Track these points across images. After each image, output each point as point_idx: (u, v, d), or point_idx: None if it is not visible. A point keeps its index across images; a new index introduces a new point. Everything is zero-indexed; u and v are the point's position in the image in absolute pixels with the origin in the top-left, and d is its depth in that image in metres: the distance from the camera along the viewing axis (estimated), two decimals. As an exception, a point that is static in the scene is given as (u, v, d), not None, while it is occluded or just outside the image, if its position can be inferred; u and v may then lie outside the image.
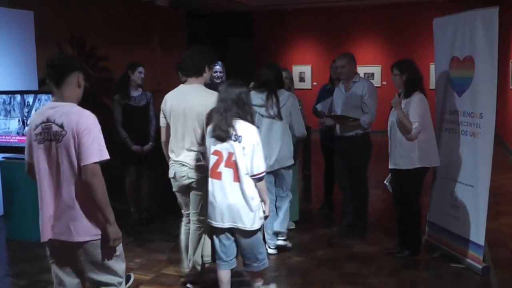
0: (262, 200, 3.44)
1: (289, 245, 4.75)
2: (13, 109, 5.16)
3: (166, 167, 3.91)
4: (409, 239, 4.53)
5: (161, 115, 3.83)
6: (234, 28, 13.60)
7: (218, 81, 5.20)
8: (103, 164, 2.58)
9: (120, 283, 2.81)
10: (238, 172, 3.31)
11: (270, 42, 13.63)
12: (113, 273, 2.76)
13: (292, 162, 4.62)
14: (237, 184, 3.33)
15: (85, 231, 2.61)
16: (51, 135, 2.56)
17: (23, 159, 5.12)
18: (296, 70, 13.56)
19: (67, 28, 7.71)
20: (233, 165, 3.32)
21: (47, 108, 2.66)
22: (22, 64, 6.14)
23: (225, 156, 3.34)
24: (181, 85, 3.81)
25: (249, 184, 3.34)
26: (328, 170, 5.84)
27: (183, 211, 3.96)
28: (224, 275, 3.52)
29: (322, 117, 5.42)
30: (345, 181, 5.23)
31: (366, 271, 4.30)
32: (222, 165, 3.35)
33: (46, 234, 2.67)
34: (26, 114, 5.10)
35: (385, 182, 4.72)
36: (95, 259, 2.67)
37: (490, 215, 4.34)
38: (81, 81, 2.71)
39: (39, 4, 6.75)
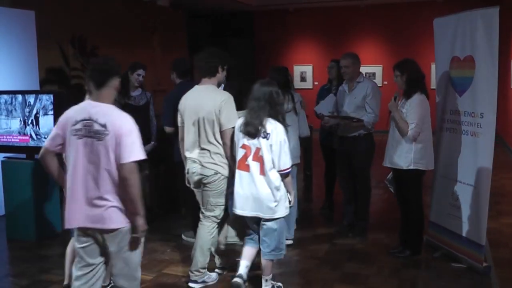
0: (288, 192, 3.70)
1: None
2: (15, 109, 5.17)
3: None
4: (410, 238, 4.53)
5: (178, 115, 3.99)
6: (235, 28, 13.61)
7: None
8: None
9: (136, 278, 3.03)
10: (264, 167, 3.56)
11: (271, 42, 13.64)
12: (132, 265, 2.98)
13: (298, 161, 4.78)
14: (262, 177, 3.58)
15: (114, 220, 2.84)
16: (92, 133, 2.80)
17: (24, 158, 5.16)
18: (297, 70, 13.58)
19: (68, 28, 7.73)
20: (260, 159, 3.58)
21: (87, 106, 2.87)
22: (23, 64, 6.15)
23: (253, 150, 3.59)
24: (196, 86, 3.96)
25: (274, 177, 3.59)
26: (329, 170, 5.84)
27: (203, 209, 4.02)
28: (247, 249, 3.79)
29: (322, 118, 5.40)
30: (346, 181, 5.24)
31: (367, 271, 4.31)
32: (250, 158, 3.61)
33: (76, 221, 2.88)
34: (27, 114, 5.11)
35: (385, 181, 4.73)
36: (119, 247, 2.88)
37: (491, 215, 4.35)
38: (118, 85, 2.94)
39: (40, 4, 6.77)
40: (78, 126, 2.82)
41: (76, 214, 2.86)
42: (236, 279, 3.69)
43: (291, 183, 3.76)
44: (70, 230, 3.19)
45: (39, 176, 5.11)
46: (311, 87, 13.31)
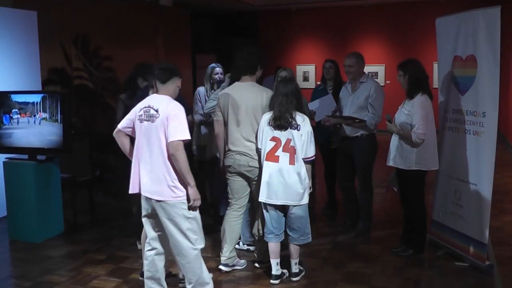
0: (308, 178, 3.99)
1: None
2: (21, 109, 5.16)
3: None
4: (414, 238, 4.54)
5: (217, 110, 4.22)
6: (239, 28, 13.60)
7: (216, 80, 5.30)
8: (186, 142, 3.35)
9: (193, 241, 3.43)
10: (295, 156, 3.88)
11: (275, 42, 13.63)
12: (186, 232, 3.41)
13: None
14: (292, 166, 3.88)
15: (165, 192, 3.37)
16: (148, 116, 3.41)
17: (26, 159, 5.16)
18: (300, 69, 13.56)
19: (71, 28, 7.73)
20: (291, 150, 3.88)
21: (150, 98, 3.52)
22: (25, 65, 6.14)
23: (283, 142, 3.88)
24: (236, 83, 4.24)
25: (303, 167, 3.91)
26: (328, 170, 5.80)
27: (233, 199, 4.28)
28: (274, 246, 4.04)
29: (313, 117, 5.32)
30: (347, 181, 5.22)
31: (371, 270, 4.31)
32: (280, 150, 3.89)
33: (136, 188, 3.51)
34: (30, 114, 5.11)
35: (388, 180, 4.73)
36: (171, 216, 3.38)
37: (493, 213, 4.35)
38: (180, 85, 3.54)
39: (42, 4, 6.77)
40: (141, 112, 3.46)
41: (136, 184, 3.48)
42: (273, 281, 4.03)
43: (310, 170, 4.02)
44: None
45: (41, 177, 5.12)
46: (313, 87, 13.28)
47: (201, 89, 5.41)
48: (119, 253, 4.77)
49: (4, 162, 5.27)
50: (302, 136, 3.87)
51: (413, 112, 4.26)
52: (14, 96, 5.19)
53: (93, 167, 7.40)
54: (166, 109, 3.35)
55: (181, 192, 3.39)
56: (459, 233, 4.43)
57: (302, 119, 3.91)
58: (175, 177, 3.37)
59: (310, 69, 13.63)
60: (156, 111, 3.38)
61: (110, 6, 8.69)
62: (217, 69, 5.32)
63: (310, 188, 4.01)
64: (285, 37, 13.68)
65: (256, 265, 4.40)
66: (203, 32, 12.66)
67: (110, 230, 5.49)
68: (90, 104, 8.09)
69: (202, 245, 3.51)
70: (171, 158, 3.32)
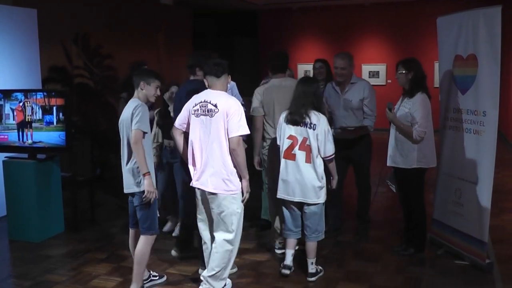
0: (332, 176, 4.13)
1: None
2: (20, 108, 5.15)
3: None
4: (414, 236, 4.54)
5: (258, 106, 4.51)
6: (240, 27, 13.57)
7: None
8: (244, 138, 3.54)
9: (229, 241, 3.60)
10: (311, 155, 3.95)
11: (276, 41, 13.59)
12: (229, 226, 3.57)
13: None
14: (309, 164, 3.96)
15: (218, 185, 3.51)
16: (206, 111, 3.50)
17: (26, 158, 5.15)
18: (301, 68, 13.53)
19: (71, 26, 7.71)
20: (307, 148, 3.96)
21: (205, 92, 3.60)
22: (25, 63, 6.12)
23: (299, 140, 3.97)
24: (273, 80, 4.58)
25: (320, 165, 3.99)
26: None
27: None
28: (291, 242, 4.19)
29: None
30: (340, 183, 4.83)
31: (372, 269, 4.32)
32: (296, 148, 3.99)
33: (193, 181, 3.64)
34: (29, 113, 5.08)
35: (386, 180, 4.73)
36: (219, 209, 3.54)
37: (493, 212, 4.35)
38: (229, 80, 3.68)
39: (42, 2, 6.75)
40: (197, 107, 3.55)
41: (193, 177, 3.59)
42: (284, 271, 4.17)
43: (334, 168, 4.11)
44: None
45: (41, 176, 5.11)
46: (314, 85, 13.28)
47: None
48: (120, 252, 4.77)
49: (3, 161, 5.25)
50: (319, 136, 3.93)
51: (414, 110, 4.26)
52: (14, 94, 5.16)
53: (93, 166, 7.41)
54: (225, 104, 3.46)
55: (234, 186, 3.54)
56: (460, 231, 4.43)
57: (317, 118, 3.94)
58: (231, 171, 3.51)
59: (311, 68, 13.59)
60: (215, 106, 3.47)
61: (111, 4, 8.68)
62: None
63: (330, 186, 4.13)
64: (286, 36, 13.66)
65: (277, 251, 4.62)
66: (204, 31, 12.65)
67: (111, 229, 5.49)
68: (90, 103, 8.08)
69: (237, 243, 3.65)
70: (231, 152, 3.47)
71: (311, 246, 4.12)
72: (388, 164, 4.52)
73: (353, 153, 4.93)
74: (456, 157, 4.49)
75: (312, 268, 4.13)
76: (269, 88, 4.55)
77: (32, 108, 5.08)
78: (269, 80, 4.73)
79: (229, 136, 3.45)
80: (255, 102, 4.55)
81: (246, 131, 3.48)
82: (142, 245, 3.75)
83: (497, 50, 3.99)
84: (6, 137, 5.20)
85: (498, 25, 3.97)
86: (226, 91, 3.63)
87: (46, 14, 6.78)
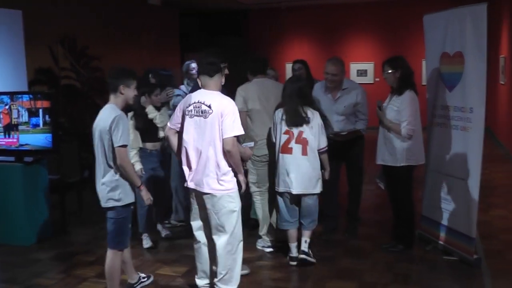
0: (324, 168, 4.29)
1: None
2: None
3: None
4: (403, 233, 4.57)
5: (242, 103, 4.49)
6: (228, 26, 13.55)
7: (195, 76, 5.33)
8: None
9: (230, 242, 3.53)
10: (307, 147, 4.12)
11: (264, 40, 13.60)
12: (226, 226, 3.51)
13: None
14: (305, 157, 4.14)
15: (214, 186, 3.47)
16: (200, 112, 3.45)
17: (13, 161, 5.07)
18: (289, 67, 13.49)
19: (58, 27, 7.64)
20: (303, 141, 4.13)
21: (199, 92, 3.55)
22: (10, 65, 6.02)
23: (295, 134, 4.14)
24: (255, 80, 4.63)
25: (315, 157, 4.18)
26: None
27: (263, 187, 4.64)
28: (292, 235, 4.34)
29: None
30: (332, 185, 4.78)
31: (361, 266, 4.34)
32: (292, 142, 4.15)
33: (187, 182, 3.59)
34: (15, 116, 5.03)
35: (375, 178, 4.74)
36: (215, 209, 3.49)
37: (481, 207, 4.39)
38: (223, 80, 3.62)
39: (28, 3, 6.68)
40: (190, 108, 3.50)
41: (187, 178, 3.55)
42: (292, 262, 4.31)
43: (327, 159, 4.29)
44: None
45: (28, 179, 5.06)
46: (302, 84, 13.30)
47: (182, 87, 5.58)
48: (109, 254, 4.72)
49: (-10, 165, 5.17)
50: (313, 128, 4.13)
51: (402, 108, 4.28)
52: (0, 97, 5.12)
53: (81, 168, 7.34)
54: (220, 105, 3.42)
55: (229, 185, 3.50)
56: (448, 227, 4.46)
57: (311, 113, 4.16)
58: (225, 171, 3.47)
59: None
60: (209, 107, 3.43)
61: (97, 5, 8.62)
62: (192, 65, 5.53)
63: (326, 176, 4.30)
64: (274, 35, 13.67)
65: (266, 249, 4.67)
66: (192, 31, 12.61)
67: (99, 231, 5.44)
68: (77, 104, 8.00)
69: (238, 242, 3.60)
70: (225, 153, 3.43)
71: (307, 233, 4.31)
72: (377, 162, 4.55)
73: (346, 151, 4.91)
74: (444, 153, 4.51)
75: (305, 247, 4.26)
76: (252, 84, 4.60)
77: (18, 111, 5.04)
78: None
79: (223, 137, 3.40)
80: (238, 98, 4.50)
81: (240, 131, 3.45)
82: (112, 260, 3.62)
83: (483, 47, 4.03)
84: (-8, 140, 5.13)
85: (483, 22, 3.99)
86: (220, 90, 3.57)
87: (32, 15, 6.70)
